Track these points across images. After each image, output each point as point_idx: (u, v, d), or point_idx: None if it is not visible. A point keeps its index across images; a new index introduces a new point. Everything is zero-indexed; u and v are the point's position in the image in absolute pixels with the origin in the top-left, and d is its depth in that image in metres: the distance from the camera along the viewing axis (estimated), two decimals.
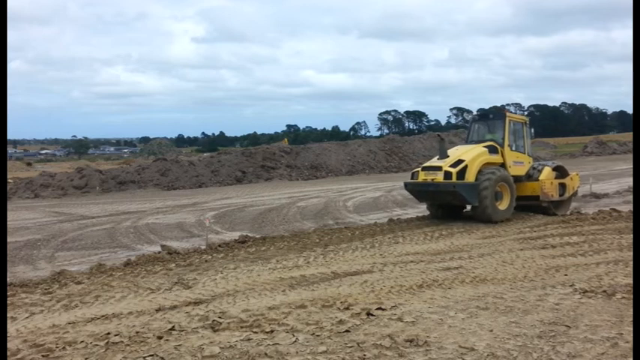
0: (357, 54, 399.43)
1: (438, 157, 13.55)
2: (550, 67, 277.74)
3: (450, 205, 13.48)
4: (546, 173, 13.91)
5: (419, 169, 13.60)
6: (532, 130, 15.21)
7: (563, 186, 14.20)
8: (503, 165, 13.51)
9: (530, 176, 14.02)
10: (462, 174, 12.55)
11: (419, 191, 13.59)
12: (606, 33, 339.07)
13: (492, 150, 13.48)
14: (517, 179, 13.71)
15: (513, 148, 13.90)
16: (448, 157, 13.16)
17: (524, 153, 14.25)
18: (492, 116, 14.70)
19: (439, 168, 12.86)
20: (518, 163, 13.90)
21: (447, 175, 12.57)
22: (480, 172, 12.77)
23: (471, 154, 13.07)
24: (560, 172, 14.64)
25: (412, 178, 13.62)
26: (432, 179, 12.91)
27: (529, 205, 13.89)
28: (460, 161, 12.82)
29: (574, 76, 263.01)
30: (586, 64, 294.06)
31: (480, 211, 12.59)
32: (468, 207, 13.52)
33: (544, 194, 13.55)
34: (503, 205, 12.98)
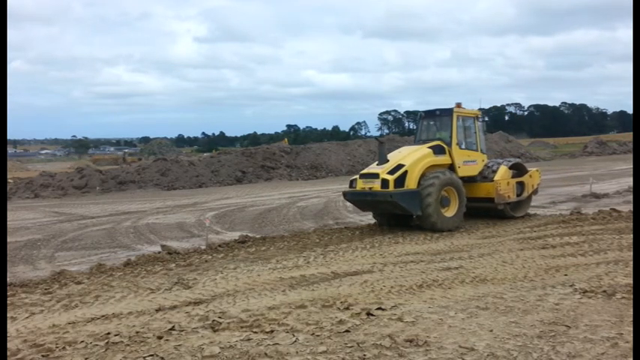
0: (359, 54, 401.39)
1: (377, 162, 12.35)
2: (552, 67, 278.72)
3: (396, 214, 12.18)
4: (502, 173, 12.84)
5: (357, 176, 12.39)
6: (484, 124, 13.76)
7: (521, 185, 13.30)
8: (451, 166, 12.45)
9: (484, 176, 12.94)
10: (400, 181, 11.44)
11: (358, 201, 12.45)
12: (611, 32, 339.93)
13: (439, 150, 12.36)
14: (470, 180, 12.71)
15: (463, 147, 12.78)
16: (388, 162, 11.97)
17: (477, 150, 13.11)
18: (439, 113, 13.22)
19: (376, 175, 11.67)
20: (469, 163, 12.81)
21: (384, 183, 11.40)
22: (422, 176, 11.70)
23: (412, 157, 11.94)
24: (518, 169, 13.65)
25: (351, 187, 12.37)
26: (370, 188, 11.68)
27: (482, 208, 13.02)
28: (399, 166, 11.67)
29: (576, 76, 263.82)
30: (589, 63, 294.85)
31: (425, 220, 11.55)
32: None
33: (499, 196, 12.57)
34: (450, 211, 11.89)
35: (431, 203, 11.38)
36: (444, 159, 12.39)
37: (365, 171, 12.38)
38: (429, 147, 12.35)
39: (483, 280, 7.26)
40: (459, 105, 12.95)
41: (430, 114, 13.50)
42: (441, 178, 11.68)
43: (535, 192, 14.03)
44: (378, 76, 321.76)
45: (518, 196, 13.16)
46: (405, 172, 11.56)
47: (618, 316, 5.47)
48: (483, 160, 13.25)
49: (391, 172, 11.56)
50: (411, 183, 11.54)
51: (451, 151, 12.48)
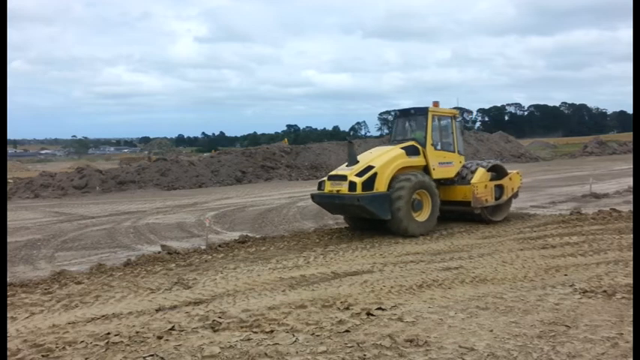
0: (359, 54, 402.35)
1: (346, 163, 11.76)
2: (553, 67, 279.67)
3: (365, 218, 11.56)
4: (479, 175, 12.28)
5: (325, 178, 11.81)
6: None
7: (500, 188, 12.74)
8: (426, 168, 11.97)
9: (461, 178, 12.44)
10: (369, 184, 10.88)
11: (326, 204, 11.80)
12: (611, 32, 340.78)
13: (412, 151, 11.84)
14: (446, 182, 12.33)
15: (438, 147, 12.25)
16: (358, 162, 11.47)
17: (454, 151, 12.57)
18: (414, 112, 12.62)
19: (344, 177, 11.14)
20: (445, 164, 12.29)
21: (352, 185, 10.87)
22: (394, 179, 11.19)
23: (383, 158, 11.40)
24: (497, 171, 13.08)
25: (319, 189, 11.82)
26: (338, 190, 11.17)
27: (459, 212, 12.60)
28: (369, 168, 11.12)
29: (576, 76, 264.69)
30: (589, 63, 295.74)
31: (394, 225, 10.98)
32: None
33: (476, 199, 12.00)
34: (422, 215, 11.39)
35: (401, 207, 10.86)
36: (417, 160, 11.90)
37: (333, 172, 11.82)
38: (402, 147, 11.85)
39: (483, 280, 7.26)
40: (436, 104, 12.53)
41: (405, 113, 12.98)
42: (413, 181, 11.16)
43: (515, 195, 13.45)
44: (378, 76, 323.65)
45: (496, 199, 12.63)
46: (375, 174, 11.02)
47: (618, 316, 5.47)
48: (460, 162, 12.75)
49: (360, 174, 11.02)
50: (380, 186, 10.99)
51: (425, 152, 11.99)
